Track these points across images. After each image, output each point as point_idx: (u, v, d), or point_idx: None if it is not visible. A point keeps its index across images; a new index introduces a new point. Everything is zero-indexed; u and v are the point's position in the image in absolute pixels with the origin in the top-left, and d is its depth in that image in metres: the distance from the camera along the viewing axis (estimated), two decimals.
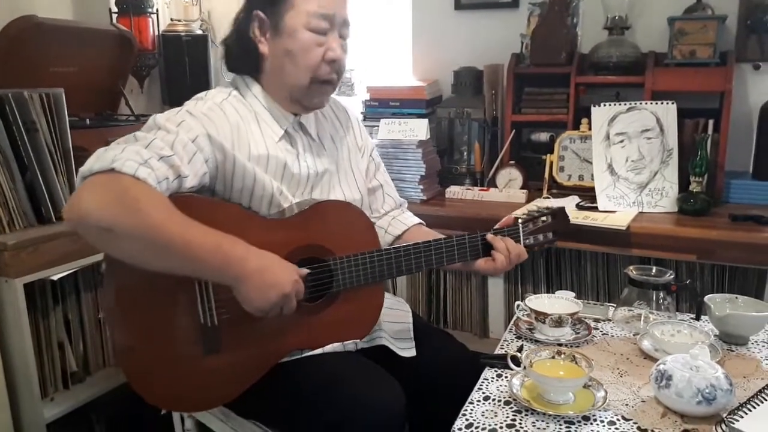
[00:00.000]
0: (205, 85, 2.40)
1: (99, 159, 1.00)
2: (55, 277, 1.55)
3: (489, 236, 1.27)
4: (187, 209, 1.02)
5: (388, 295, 1.38)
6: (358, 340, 1.24)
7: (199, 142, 1.09)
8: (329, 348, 1.20)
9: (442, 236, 1.29)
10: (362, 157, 1.41)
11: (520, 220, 1.34)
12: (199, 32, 2.44)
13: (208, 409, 1.29)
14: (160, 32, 2.37)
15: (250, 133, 1.18)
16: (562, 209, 1.40)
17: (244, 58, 1.23)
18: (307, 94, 1.21)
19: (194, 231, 1.00)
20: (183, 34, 2.39)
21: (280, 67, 1.19)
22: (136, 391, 1.08)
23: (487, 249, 1.28)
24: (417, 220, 1.45)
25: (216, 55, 2.55)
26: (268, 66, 1.21)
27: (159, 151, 1.03)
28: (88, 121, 1.93)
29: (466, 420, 1.02)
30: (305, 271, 1.11)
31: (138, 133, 1.07)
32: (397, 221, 1.43)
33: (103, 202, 0.97)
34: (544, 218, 1.36)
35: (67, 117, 1.61)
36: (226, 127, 1.14)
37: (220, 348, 1.12)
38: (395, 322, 1.32)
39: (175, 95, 2.39)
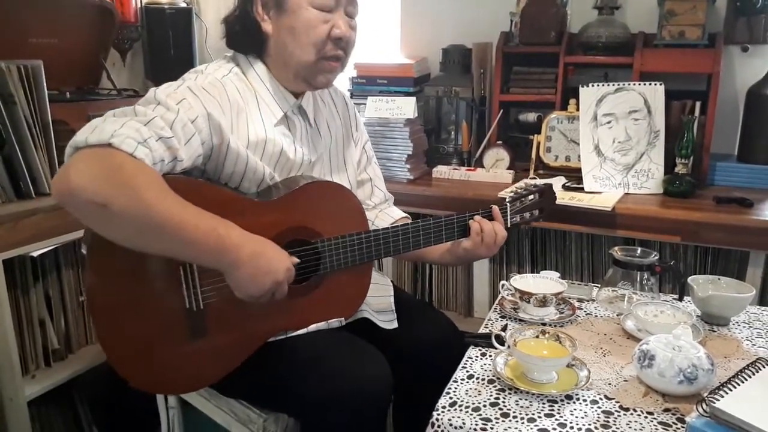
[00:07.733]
0: (188, 60, 2.35)
1: (96, 131, 0.94)
2: (35, 254, 1.52)
3: (476, 217, 1.27)
4: (173, 190, 0.98)
5: None
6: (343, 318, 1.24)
7: (198, 123, 1.05)
8: (313, 327, 1.20)
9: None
10: (355, 147, 1.41)
11: (507, 199, 1.35)
12: (183, 5, 2.38)
13: (192, 391, 1.29)
14: (143, 4, 2.31)
15: (249, 114, 1.15)
16: (549, 186, 1.41)
17: (246, 37, 1.19)
18: (314, 71, 1.17)
19: (190, 213, 0.97)
20: (166, 6, 2.33)
21: (284, 46, 1.16)
22: (120, 375, 1.07)
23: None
24: (403, 214, 1.47)
25: (201, 29, 2.50)
26: (272, 45, 1.18)
27: (159, 131, 0.98)
28: (68, 95, 1.88)
29: (450, 398, 1.02)
30: (296, 260, 1.09)
31: (137, 106, 1.02)
32: (384, 214, 1.44)
33: (99, 177, 0.91)
34: (531, 196, 1.37)
35: (46, 90, 1.56)
36: (226, 106, 1.11)
37: (205, 332, 1.10)
38: (377, 296, 1.33)
39: (159, 69, 2.34)
